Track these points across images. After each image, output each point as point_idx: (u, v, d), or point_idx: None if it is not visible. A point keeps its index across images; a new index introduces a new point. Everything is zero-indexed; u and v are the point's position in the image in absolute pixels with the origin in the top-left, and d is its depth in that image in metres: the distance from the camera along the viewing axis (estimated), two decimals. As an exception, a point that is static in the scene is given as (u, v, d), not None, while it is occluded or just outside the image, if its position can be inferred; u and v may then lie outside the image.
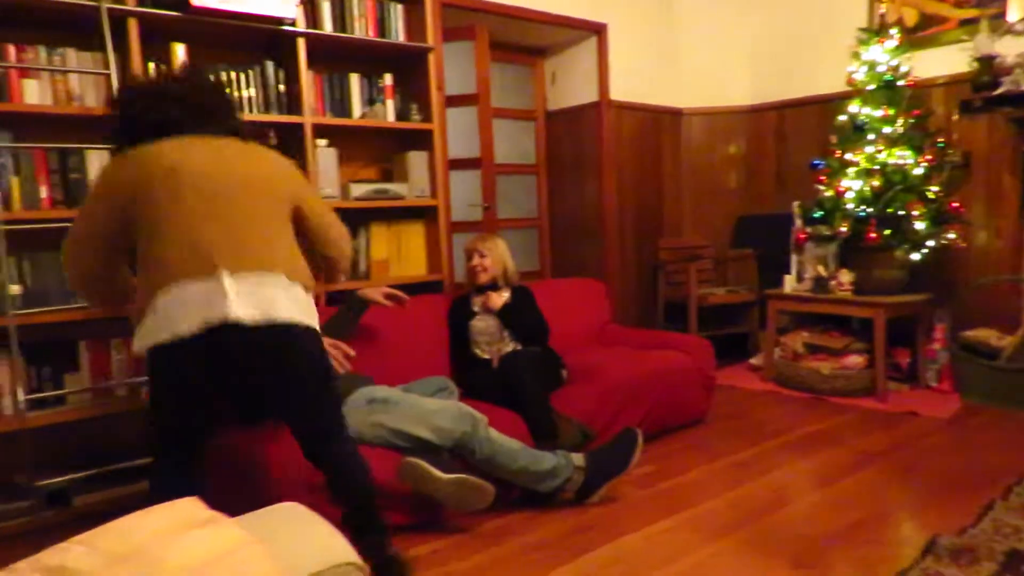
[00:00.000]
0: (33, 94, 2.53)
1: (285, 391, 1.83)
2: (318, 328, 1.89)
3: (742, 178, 5.14)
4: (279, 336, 1.75)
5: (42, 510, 2.32)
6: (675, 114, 5.09)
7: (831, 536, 2.22)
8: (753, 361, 4.50)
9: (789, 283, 4.13)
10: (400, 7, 3.36)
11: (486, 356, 2.99)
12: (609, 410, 2.92)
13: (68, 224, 2.51)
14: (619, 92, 4.71)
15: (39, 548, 2.38)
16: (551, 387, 2.86)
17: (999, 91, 3.61)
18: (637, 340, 3.57)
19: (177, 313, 1.67)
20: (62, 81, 2.60)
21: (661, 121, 5.03)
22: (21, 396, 2.37)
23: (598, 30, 4.61)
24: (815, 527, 2.28)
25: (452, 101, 4.11)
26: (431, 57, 3.38)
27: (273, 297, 1.74)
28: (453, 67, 4.11)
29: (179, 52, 2.77)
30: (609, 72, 4.66)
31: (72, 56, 2.61)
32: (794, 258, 4.17)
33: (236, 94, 2.93)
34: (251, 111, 2.96)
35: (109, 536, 0.95)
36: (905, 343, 3.94)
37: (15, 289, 2.47)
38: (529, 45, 4.92)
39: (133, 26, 2.60)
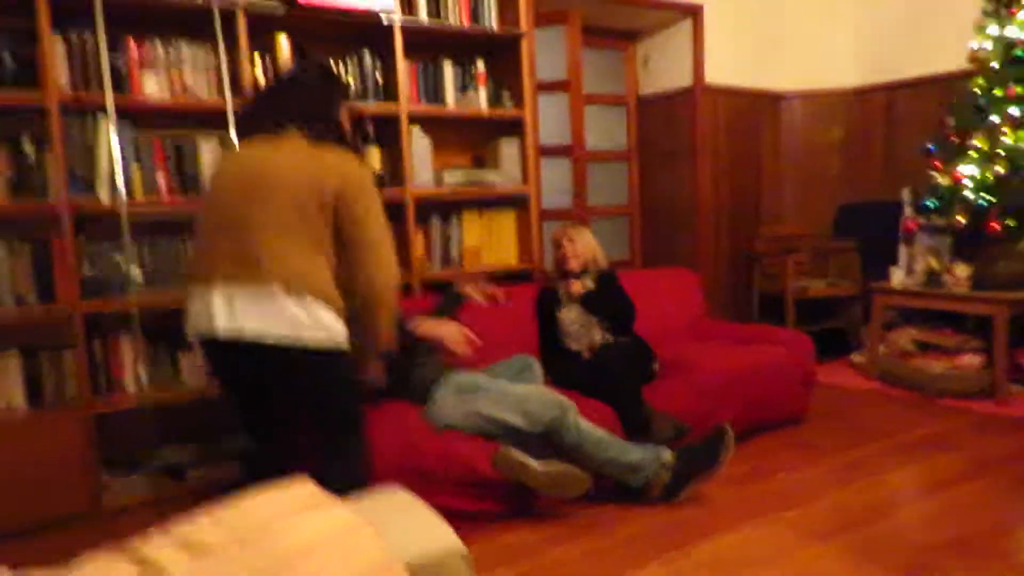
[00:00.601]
0: (151, 85, 2.67)
1: (276, 407, 1.94)
2: (328, 344, 1.74)
3: (845, 164, 4.89)
4: (255, 353, 1.70)
5: (159, 483, 2.46)
6: (774, 97, 4.89)
7: (943, 546, 2.08)
8: (854, 358, 4.29)
9: (897, 276, 3.89)
10: (494, -7, 3.36)
11: (576, 348, 2.97)
12: (703, 406, 2.84)
13: (185, 210, 2.66)
14: (715, 75, 4.56)
15: (158, 518, 2.54)
16: (643, 380, 2.80)
17: None
18: (732, 334, 3.46)
19: (190, 317, 1.81)
20: (177, 73, 2.73)
21: (759, 105, 4.84)
22: (143, 375, 2.52)
23: (694, 11, 4.47)
24: (926, 536, 2.16)
25: (543, 88, 4.08)
26: (523, 43, 3.37)
27: (259, 312, 1.69)
28: (544, 53, 4.08)
29: (283, 43, 2.85)
30: (704, 55, 4.51)
31: (185, 48, 2.74)
32: (903, 250, 3.93)
33: (336, 84, 3.00)
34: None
35: (233, 512, 0.99)
36: (1027, 343, 3.66)
37: (136, 273, 2.62)
38: (621, 29, 4.83)
39: (241, 19, 2.70)
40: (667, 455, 2.41)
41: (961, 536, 2.14)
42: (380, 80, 3.11)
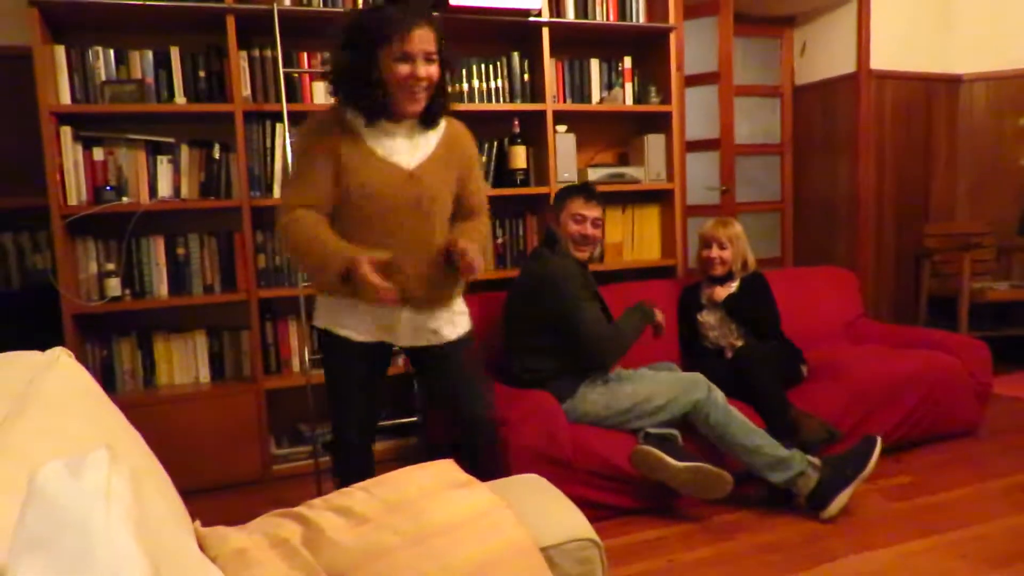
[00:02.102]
0: (320, 95, 2.91)
1: None
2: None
3: (1036, 154, 4.37)
4: None
5: (319, 455, 2.69)
6: (952, 81, 4.47)
7: None
8: (1042, 369, 3.84)
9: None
10: (641, -12, 3.33)
11: (715, 347, 2.89)
12: (857, 412, 2.67)
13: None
14: (882, 60, 4.24)
15: (317, 487, 2.76)
16: (788, 383, 2.68)
17: None
18: (894, 337, 3.22)
19: None
20: (342, 81, 2.94)
21: (934, 90, 4.44)
22: (306, 356, 2.76)
23: (859, -8, 4.18)
24: (1124, 573, 1.91)
25: (691, 81, 3.99)
26: (672, 37, 3.31)
27: None
28: (693, 44, 3.98)
29: (437, 49, 3.00)
30: (871, 38, 4.21)
31: (350, 59, 2.95)
32: None
33: (486, 86, 3.12)
34: (497, 100, 3.13)
35: (384, 487, 1.09)
36: None
37: (303, 264, 2.87)
38: (777, 15, 4.61)
39: (399, 28, 2.87)
40: (816, 461, 2.30)
41: None
42: (528, 80, 3.19)
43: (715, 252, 2.85)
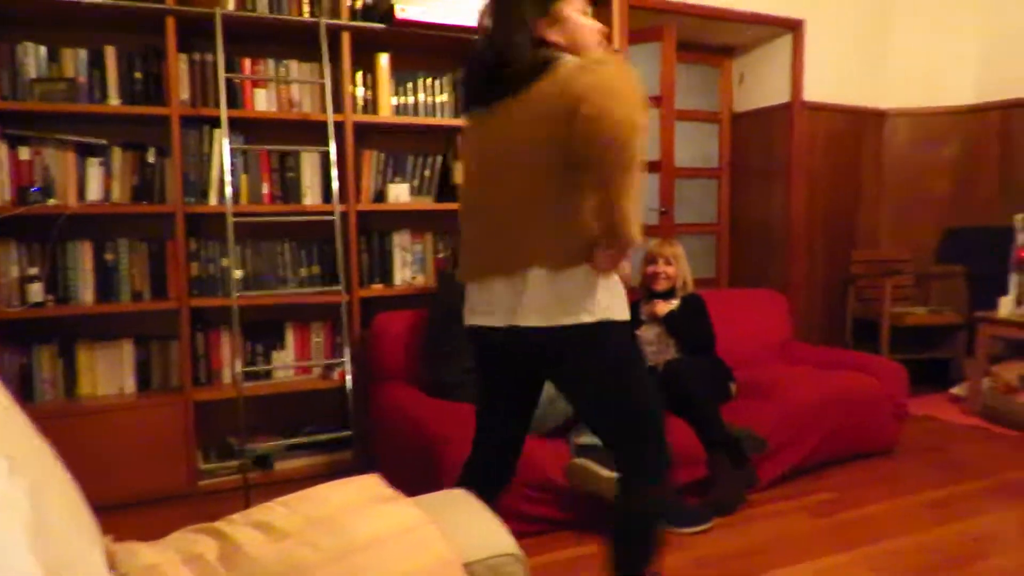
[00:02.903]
0: (262, 101, 2.87)
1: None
2: (600, 317, 1.47)
3: (953, 186, 4.63)
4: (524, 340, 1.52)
5: (248, 470, 2.63)
6: (878, 115, 4.69)
7: (1042, 598, 1.95)
8: (955, 391, 4.04)
9: (1006, 306, 3.66)
10: (591, 9, 3.39)
11: (651, 363, 2.95)
12: (787, 431, 2.76)
13: (285, 218, 2.85)
14: (814, 92, 4.43)
15: (245, 503, 2.71)
16: (717, 399, 2.77)
17: None
18: (820, 359, 3.35)
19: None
20: (285, 90, 2.92)
21: (861, 123, 4.66)
22: (239, 368, 2.70)
23: (794, 26, 4.36)
24: (1022, 585, 2.02)
25: (634, 104, 4.08)
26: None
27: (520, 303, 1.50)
28: (637, 68, 4.07)
29: (383, 62, 3.00)
30: (804, 71, 4.39)
31: (294, 67, 2.93)
32: (1014, 278, 3.69)
33: (429, 100, 3.13)
34: (443, 115, 3.15)
35: (307, 501, 1.08)
36: None
37: (238, 274, 2.82)
38: (717, 44, 4.77)
39: (346, 39, 2.86)
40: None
41: (1061, 589, 2.00)
42: (472, 96, 3.21)
43: (660, 267, 2.94)
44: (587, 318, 1.45)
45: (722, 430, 2.56)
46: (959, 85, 4.55)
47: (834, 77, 4.49)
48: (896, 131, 4.72)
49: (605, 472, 2.21)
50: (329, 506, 1.07)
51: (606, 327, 1.47)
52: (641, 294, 3.06)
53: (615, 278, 1.52)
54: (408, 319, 2.85)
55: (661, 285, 2.94)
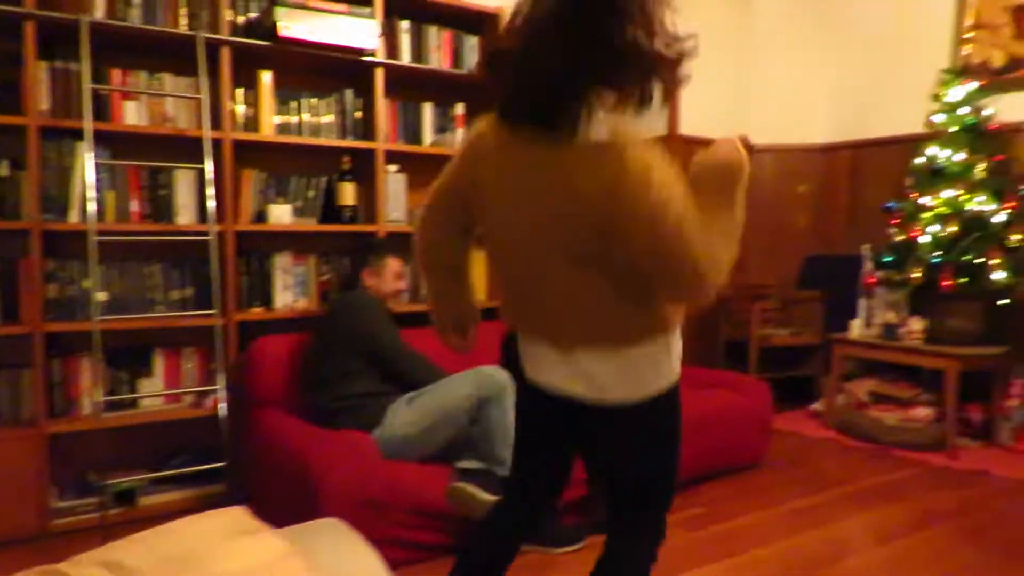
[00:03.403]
0: (132, 115, 2.73)
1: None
2: (637, 397, 1.34)
3: (812, 217, 5.03)
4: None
5: (109, 508, 2.45)
6: (747, 150, 5.03)
7: (885, 597, 2.13)
8: (814, 407, 4.36)
9: (856, 328, 4.00)
10: (476, 39, 3.47)
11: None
12: (660, 447, 2.88)
13: (156, 237, 2.70)
14: (689, 127, 4.70)
15: (104, 544, 2.52)
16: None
17: (1092, 140, 3.44)
18: (696, 379, 3.51)
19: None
20: (158, 104, 2.79)
21: (731, 157, 4.98)
22: (99, 397, 2.52)
23: (670, 65, 4.62)
24: (869, 586, 2.20)
25: (521, 131, 4.18)
26: (502, 89, 3.47)
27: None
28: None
29: (265, 79, 2.93)
30: (680, 106, 4.66)
31: (168, 81, 2.81)
32: (862, 302, 4.04)
33: (315, 120, 3.08)
34: (328, 136, 3.11)
35: (164, 537, 1.02)
36: (978, 398, 3.75)
37: (101, 296, 2.64)
38: (600, 78, 4.97)
39: (226, 55, 2.78)
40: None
41: (900, 587, 2.19)
42: (360, 118, 3.19)
43: None
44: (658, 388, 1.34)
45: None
46: (815, 125, 4.97)
47: (708, 113, 4.79)
48: (763, 166, 5.08)
49: (485, 496, 2.23)
50: (187, 541, 1.02)
51: (673, 392, 1.37)
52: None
53: (679, 331, 1.38)
54: (289, 343, 2.77)
55: None
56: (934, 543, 2.52)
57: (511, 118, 1.25)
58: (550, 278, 1.28)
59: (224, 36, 2.78)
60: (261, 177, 2.99)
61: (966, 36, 3.94)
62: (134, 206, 2.74)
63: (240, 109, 2.91)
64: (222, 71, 2.78)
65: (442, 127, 3.46)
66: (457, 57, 3.42)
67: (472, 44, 3.45)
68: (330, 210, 3.13)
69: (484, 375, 2.45)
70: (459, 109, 3.47)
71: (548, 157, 1.20)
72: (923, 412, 3.64)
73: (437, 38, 3.35)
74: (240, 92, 2.91)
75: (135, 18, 2.66)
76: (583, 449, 1.53)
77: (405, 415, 2.45)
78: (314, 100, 3.08)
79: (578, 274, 1.25)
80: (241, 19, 2.87)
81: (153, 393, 2.78)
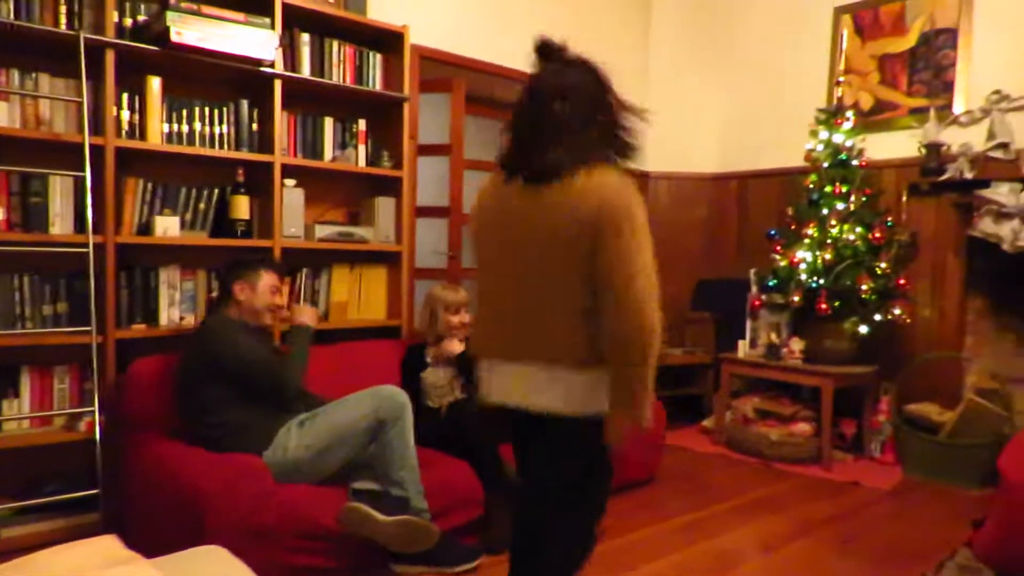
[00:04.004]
0: (2, 116, 2.53)
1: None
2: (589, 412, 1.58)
3: (704, 242, 5.28)
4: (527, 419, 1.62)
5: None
6: (642, 176, 5.24)
7: (767, 603, 2.23)
8: (705, 423, 4.55)
9: (742, 348, 4.21)
10: (379, 56, 3.45)
11: (435, 405, 2.99)
12: (558, 465, 2.92)
13: (25, 248, 2.50)
14: (589, 152, 4.84)
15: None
16: (501, 437, 2.86)
17: (944, 177, 3.80)
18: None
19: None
20: (32, 105, 2.60)
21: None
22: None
23: (571, 92, 4.75)
24: (752, 594, 2.30)
25: (424, 150, 4.18)
26: (406, 107, 3.46)
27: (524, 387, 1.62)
28: (428, 116, 4.19)
29: (154, 85, 2.80)
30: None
31: (45, 82, 2.63)
32: (749, 324, 4.26)
33: (208, 130, 2.96)
34: (222, 147, 2.99)
35: (29, 568, 0.94)
36: (852, 413, 4.02)
37: (-40, 310, 2.42)
38: (505, 101, 5.05)
39: (110, 58, 2.63)
40: (433, 526, 2.32)
41: (781, 593, 2.31)
42: (257, 130, 3.09)
43: (465, 318, 3.02)
44: (596, 409, 1.56)
45: (500, 470, 2.64)
46: (706, 155, 5.24)
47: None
48: (659, 192, 5.29)
49: (380, 516, 2.18)
50: (54, 573, 0.94)
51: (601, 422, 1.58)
52: (430, 340, 3.09)
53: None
54: (172, 363, 2.61)
55: (462, 334, 3.00)
56: (812, 550, 2.68)
57: (512, 173, 1.68)
58: (528, 300, 1.60)
59: (109, 38, 2.63)
60: (147, 187, 2.84)
61: (839, 79, 4.27)
62: (1, 214, 2.53)
63: (125, 115, 2.76)
64: (106, 74, 2.63)
65: (343, 143, 3.40)
66: (360, 73, 3.39)
67: (377, 61, 3.43)
68: (222, 224, 3.01)
69: (383, 395, 2.41)
70: (362, 125, 3.43)
71: (548, 191, 1.58)
72: (803, 427, 3.87)
73: (340, 53, 3.31)
74: (125, 97, 2.76)
75: (5, 13, 2.48)
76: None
77: (298, 437, 2.36)
78: (207, 109, 2.97)
79: (556, 288, 1.57)
80: (128, 22, 2.73)
81: (19, 416, 2.56)
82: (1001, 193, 3.51)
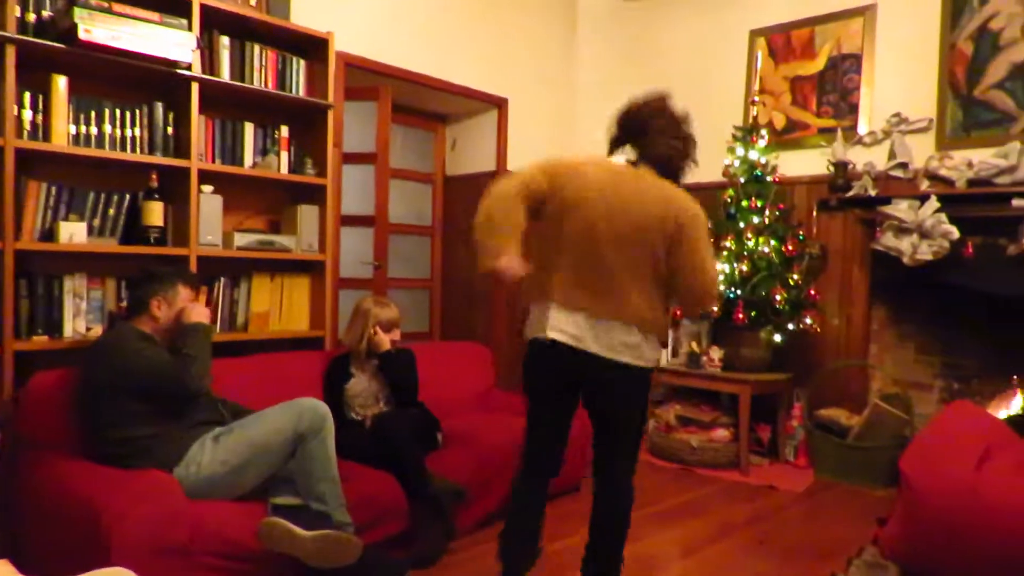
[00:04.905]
0: None
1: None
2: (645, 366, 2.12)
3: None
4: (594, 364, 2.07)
5: None
6: (568, 189, 5.32)
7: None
8: (630, 431, 4.63)
9: (665, 356, 4.32)
10: (303, 63, 3.39)
11: (359, 417, 2.94)
12: (484, 474, 2.92)
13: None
14: (517, 162, 4.88)
15: None
16: (426, 449, 2.84)
17: (850, 194, 4.01)
18: (518, 406, 3.60)
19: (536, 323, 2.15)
20: (-79, 102, 2.43)
21: (555, 194, 5.23)
22: None
23: (500, 103, 4.79)
24: (674, 597, 2.35)
25: (350, 158, 4.12)
26: (330, 114, 3.41)
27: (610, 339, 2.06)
28: (355, 124, 4.14)
29: (60, 84, 2.66)
30: (508, 143, 4.84)
31: (-64, 77, 2.46)
32: (671, 333, 4.38)
33: (120, 133, 2.84)
34: (133, 150, 2.87)
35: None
36: (767, 419, 4.18)
37: None
38: (432, 111, 5.05)
39: (11, 53, 2.49)
40: (357, 539, 2.26)
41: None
42: (172, 134, 2.98)
43: (397, 335, 3.02)
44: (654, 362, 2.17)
45: (424, 483, 2.61)
46: (630, 169, 5.36)
47: (533, 151, 5.00)
48: (583, 204, 5.38)
49: (301, 531, 2.12)
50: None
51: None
52: (347, 349, 3.04)
53: None
54: (75, 378, 2.46)
55: (387, 346, 3.00)
56: (730, 552, 2.76)
57: (639, 164, 2.24)
58: (618, 268, 2.05)
59: (9, 33, 2.49)
60: (51, 191, 2.69)
61: (755, 99, 4.46)
62: None
63: (28, 115, 2.61)
64: (6, 72, 2.48)
65: (264, 149, 3.32)
66: (283, 79, 3.31)
67: (300, 67, 3.37)
68: (134, 230, 2.88)
69: (303, 408, 2.35)
70: (284, 132, 3.36)
71: (650, 187, 2.14)
72: (722, 433, 4.00)
73: (261, 58, 3.23)
74: (27, 96, 2.61)
75: None
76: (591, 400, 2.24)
77: (212, 452, 2.27)
78: (118, 111, 2.84)
79: (638, 271, 2.07)
80: (32, 17, 2.59)
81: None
82: (901, 209, 3.73)
